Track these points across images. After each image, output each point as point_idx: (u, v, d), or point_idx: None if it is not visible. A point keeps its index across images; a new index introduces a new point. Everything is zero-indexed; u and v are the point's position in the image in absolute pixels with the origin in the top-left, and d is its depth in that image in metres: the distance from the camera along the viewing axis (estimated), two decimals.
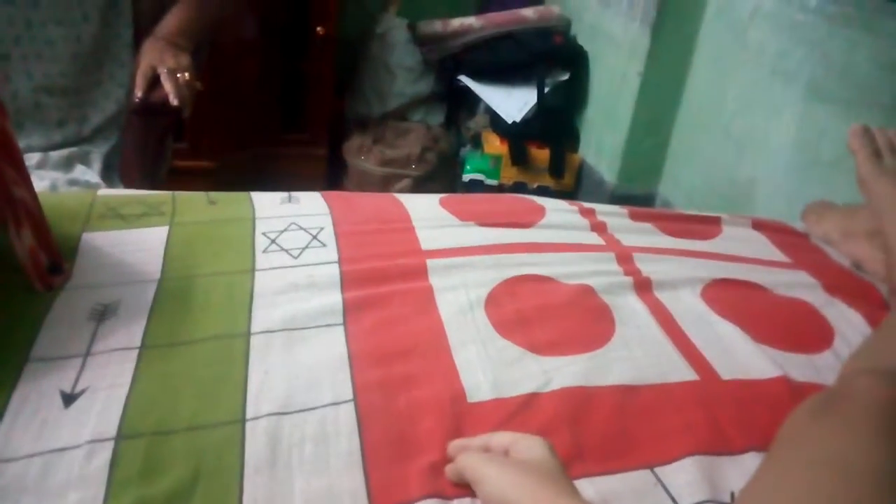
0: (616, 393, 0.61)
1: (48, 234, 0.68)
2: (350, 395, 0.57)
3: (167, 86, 1.08)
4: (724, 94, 1.66)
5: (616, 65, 1.98)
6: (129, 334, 0.61)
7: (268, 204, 0.85)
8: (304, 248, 0.76)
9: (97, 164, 1.09)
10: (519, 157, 2.11)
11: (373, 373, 0.60)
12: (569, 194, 2.16)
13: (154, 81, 1.10)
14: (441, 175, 2.27)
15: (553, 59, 2.20)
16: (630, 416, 0.59)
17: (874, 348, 0.61)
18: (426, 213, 0.86)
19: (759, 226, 0.96)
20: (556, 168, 2.12)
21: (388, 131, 2.32)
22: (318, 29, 2.08)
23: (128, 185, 1.11)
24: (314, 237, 0.78)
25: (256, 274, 0.71)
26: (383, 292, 0.70)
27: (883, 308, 0.77)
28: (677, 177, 1.88)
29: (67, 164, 1.05)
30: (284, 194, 0.89)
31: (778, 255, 0.88)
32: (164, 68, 1.10)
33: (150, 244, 0.74)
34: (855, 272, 0.85)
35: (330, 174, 2.28)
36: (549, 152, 2.12)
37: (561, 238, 0.84)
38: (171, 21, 1.19)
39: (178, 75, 1.10)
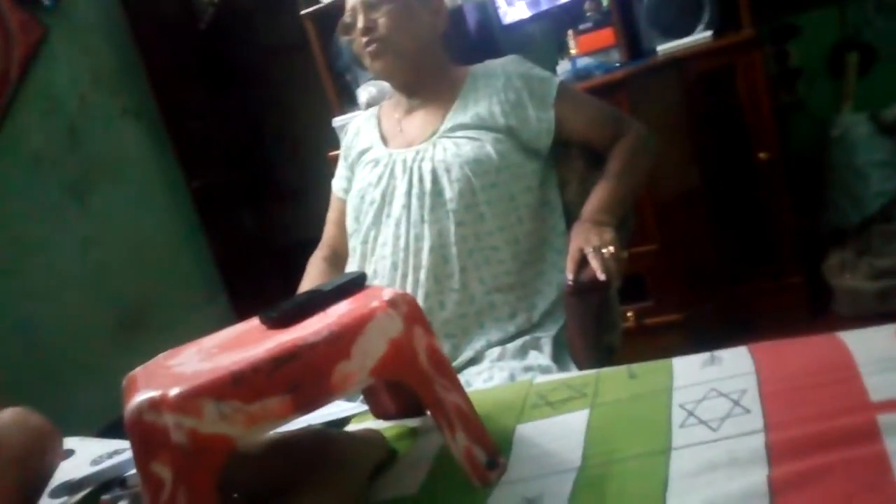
0: None
1: (482, 431, 0.75)
2: None
3: (593, 263, 1.14)
4: None
5: None
6: None
7: (688, 369, 0.80)
8: (724, 418, 0.69)
9: (548, 347, 1.19)
10: None
11: None
12: None
13: (583, 262, 1.18)
14: None
15: None
16: None
17: None
18: (876, 351, 0.70)
19: None
20: None
21: (873, 238, 2.01)
22: (761, 155, 1.99)
23: (577, 362, 1.17)
24: (736, 403, 0.70)
25: (672, 454, 0.66)
26: (819, 464, 0.58)
27: None
28: None
29: (522, 353, 1.17)
30: (707, 355, 0.83)
31: None
32: (590, 248, 1.17)
33: (571, 430, 0.76)
34: None
35: (811, 302, 2.05)
36: None
37: None
38: (593, 201, 1.28)
39: (604, 251, 1.16)
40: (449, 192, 1.23)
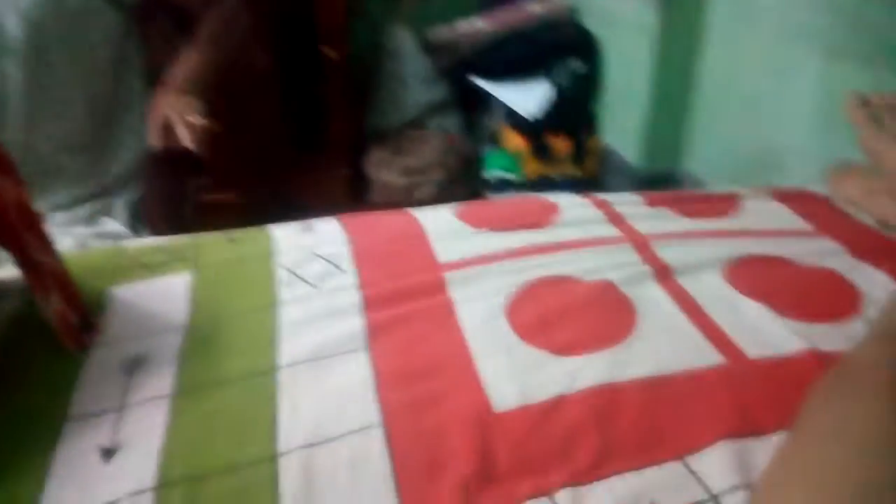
0: (642, 386, 0.60)
1: (76, 294, 0.70)
2: (378, 420, 0.58)
3: (180, 131, 1.11)
4: (740, 62, 1.63)
5: (628, 46, 1.96)
6: (160, 383, 0.63)
7: (286, 236, 0.87)
8: (324, 277, 0.77)
9: (122, 214, 1.13)
10: (540, 151, 2.11)
11: (398, 394, 0.61)
12: (593, 181, 2.14)
13: (168, 128, 1.13)
14: (464, 178, 2.27)
15: (564, 49, 2.19)
16: (657, 408, 0.58)
17: (888, 310, 0.60)
18: (441, 225, 0.87)
19: (779, 196, 0.94)
20: (578, 157, 2.11)
21: (406, 141, 2.33)
22: (328, 51, 2.11)
23: (154, 231, 1.14)
24: (333, 264, 0.79)
25: (280, 308, 0.73)
26: (404, 312, 0.71)
27: None
28: (701, 151, 1.85)
29: (93, 219, 1.09)
30: (302, 224, 0.90)
31: (800, 223, 0.87)
32: (176, 114, 1.13)
33: (175, 291, 0.76)
34: (880, 231, 0.83)
35: (354, 190, 2.30)
36: (569, 142, 2.11)
37: (577, 234, 0.84)
38: (180, 68, 1.22)
39: (190, 119, 1.13)
40: (14, 31, 1.04)
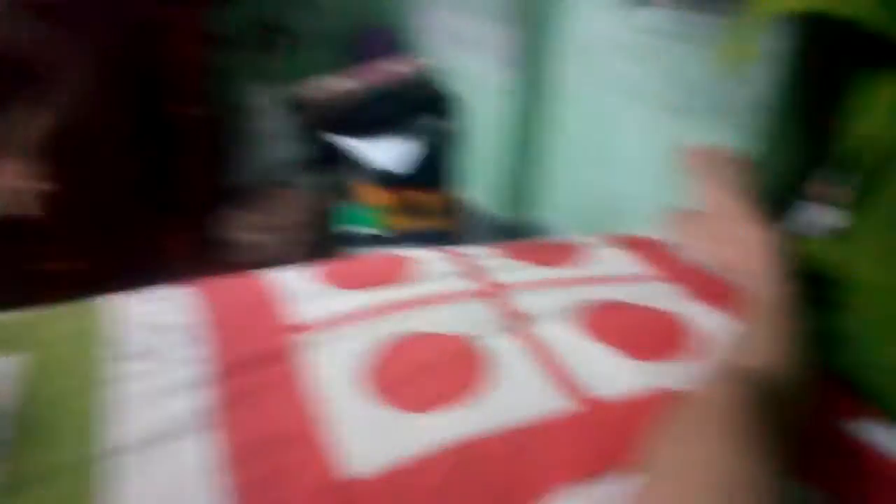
0: (499, 440, 0.60)
1: None
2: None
3: (12, 197, 1.03)
4: (586, 119, 1.73)
5: (487, 104, 2.03)
6: None
7: (128, 306, 0.81)
8: (166, 349, 0.72)
9: None
10: (404, 205, 2.13)
11: (245, 473, 0.57)
12: (458, 234, 2.18)
13: (1, 194, 1.05)
14: (326, 235, 2.25)
15: (427, 107, 2.24)
16: (516, 459, 0.58)
17: (724, 349, 0.64)
18: (297, 286, 0.84)
19: (622, 243, 0.99)
20: (443, 210, 2.15)
21: (267, 200, 2.29)
22: (184, 108, 2.04)
23: None
24: (178, 334, 0.75)
25: (116, 385, 0.67)
26: (252, 381, 0.68)
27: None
28: (556, 202, 1.93)
29: None
30: (148, 291, 0.85)
31: (642, 269, 0.92)
32: (10, 179, 1.04)
33: (3, 374, 0.69)
34: (713, 273, 0.89)
35: (212, 252, 2.22)
36: (433, 196, 2.15)
37: (433, 289, 0.84)
38: (17, 131, 1.14)
39: (14, 182, 1.05)
40: None
